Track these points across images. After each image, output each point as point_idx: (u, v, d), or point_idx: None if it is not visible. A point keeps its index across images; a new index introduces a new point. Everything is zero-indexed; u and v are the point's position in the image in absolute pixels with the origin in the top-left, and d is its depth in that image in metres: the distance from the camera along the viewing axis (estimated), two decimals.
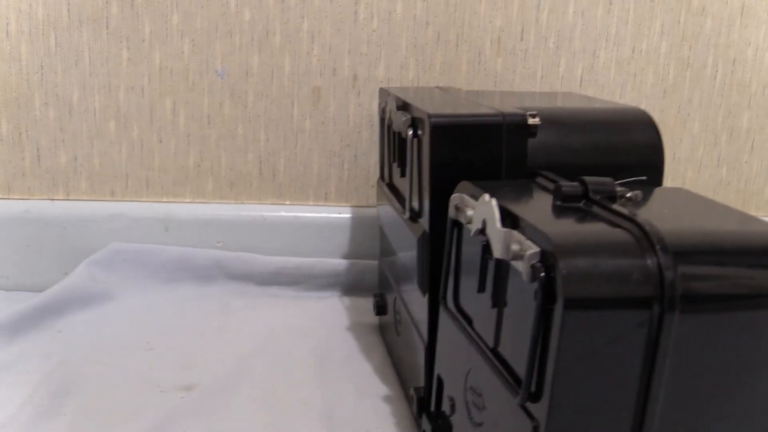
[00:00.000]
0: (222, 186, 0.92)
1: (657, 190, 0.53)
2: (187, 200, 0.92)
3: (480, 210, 0.46)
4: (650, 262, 0.38)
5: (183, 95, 0.89)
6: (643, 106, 0.96)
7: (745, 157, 0.99)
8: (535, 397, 0.40)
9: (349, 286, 0.93)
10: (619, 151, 0.61)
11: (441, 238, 0.56)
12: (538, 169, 0.57)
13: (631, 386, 0.39)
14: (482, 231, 0.46)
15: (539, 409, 0.40)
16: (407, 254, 0.65)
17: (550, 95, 0.77)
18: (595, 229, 0.41)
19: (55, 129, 0.88)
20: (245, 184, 0.92)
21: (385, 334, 0.81)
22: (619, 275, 0.38)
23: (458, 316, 0.52)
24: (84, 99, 0.87)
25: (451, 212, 0.52)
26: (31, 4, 0.84)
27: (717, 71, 0.95)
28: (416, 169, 0.61)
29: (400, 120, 0.63)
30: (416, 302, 0.64)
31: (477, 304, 0.49)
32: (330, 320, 0.86)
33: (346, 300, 0.92)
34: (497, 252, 0.43)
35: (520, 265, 0.40)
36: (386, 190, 0.74)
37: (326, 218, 0.93)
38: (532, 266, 0.39)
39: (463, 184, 0.52)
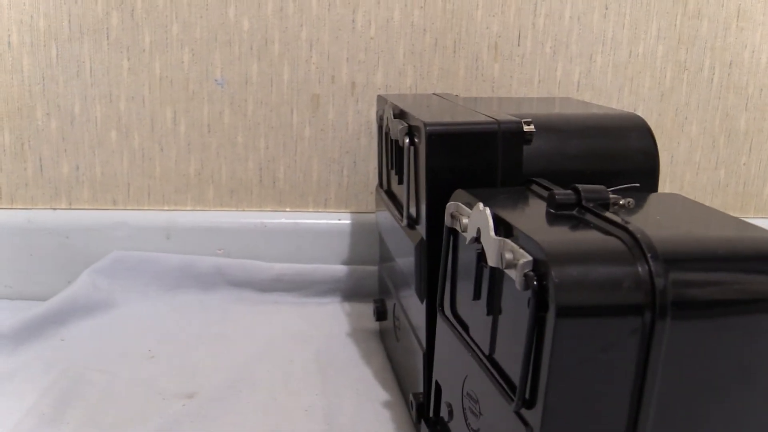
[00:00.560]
0: (223, 193, 0.93)
1: (652, 196, 0.54)
2: (188, 208, 0.93)
3: (474, 219, 0.46)
4: (641, 269, 0.39)
5: (183, 104, 0.89)
6: (640, 110, 0.96)
7: (743, 159, 0.99)
8: (530, 404, 0.40)
9: (350, 291, 0.94)
10: (614, 158, 0.61)
11: (438, 245, 0.56)
12: (535, 175, 0.58)
13: (624, 393, 0.40)
14: (477, 239, 0.46)
15: (533, 416, 0.40)
16: (405, 261, 0.66)
17: (547, 101, 0.78)
18: (587, 238, 0.41)
19: (57, 139, 0.89)
20: (246, 191, 0.93)
21: (386, 340, 0.81)
22: (610, 283, 0.38)
23: (455, 323, 0.53)
24: (85, 109, 0.88)
25: (447, 220, 0.52)
26: (32, 15, 0.85)
27: (714, 74, 0.96)
28: (413, 177, 0.62)
29: (396, 128, 0.64)
30: (414, 309, 0.64)
31: (473, 311, 0.49)
32: (330, 326, 0.86)
33: (347, 306, 0.92)
34: (491, 260, 0.43)
35: (513, 274, 0.41)
36: (384, 197, 0.75)
37: (326, 224, 0.93)
38: (525, 275, 0.39)
39: (459, 192, 0.53)
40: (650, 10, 0.93)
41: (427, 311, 0.60)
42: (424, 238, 0.59)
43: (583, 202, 0.46)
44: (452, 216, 0.52)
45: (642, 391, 0.40)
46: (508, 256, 0.41)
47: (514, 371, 0.43)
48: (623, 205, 0.46)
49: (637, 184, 0.52)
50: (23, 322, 0.79)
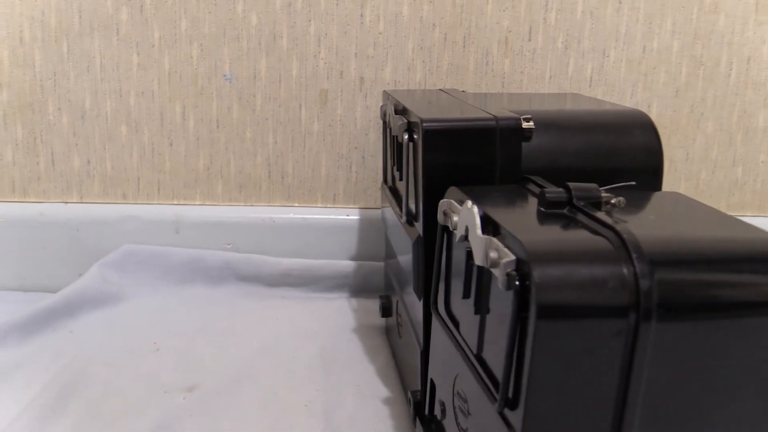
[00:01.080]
0: (231, 189, 0.93)
1: (650, 195, 0.53)
2: (197, 203, 0.93)
3: (463, 216, 0.46)
4: (626, 270, 0.38)
5: (192, 99, 0.90)
6: (654, 106, 0.94)
7: (762, 156, 0.97)
8: (513, 404, 0.40)
9: (358, 287, 0.94)
10: (616, 155, 0.60)
11: (435, 242, 0.56)
12: (535, 172, 0.57)
13: (609, 396, 0.39)
14: (466, 237, 0.46)
15: (516, 417, 0.40)
16: (405, 258, 0.65)
17: (554, 97, 0.76)
18: (573, 237, 0.41)
19: (68, 134, 0.90)
20: (254, 186, 0.93)
21: (390, 337, 0.81)
22: (593, 284, 0.38)
23: (447, 321, 0.52)
24: (96, 104, 0.89)
25: (440, 218, 0.52)
26: (44, 11, 0.86)
27: (731, 70, 0.93)
28: (412, 173, 0.61)
29: (396, 124, 0.63)
30: (413, 306, 0.64)
31: (463, 309, 0.49)
32: (337, 322, 0.86)
33: (354, 302, 0.92)
34: (477, 259, 0.43)
35: (497, 273, 0.40)
36: (388, 193, 0.75)
37: (334, 220, 0.93)
38: (508, 274, 0.39)
39: (452, 190, 0.52)
40: (665, 5, 0.91)
41: (425, 309, 0.59)
42: (422, 235, 0.59)
43: (574, 201, 0.45)
44: (445, 213, 0.51)
45: (627, 395, 0.39)
46: (493, 254, 0.41)
47: (500, 371, 0.42)
48: (615, 204, 0.45)
49: (633, 183, 0.51)
50: (33, 314, 0.80)
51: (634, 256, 0.38)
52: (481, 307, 0.45)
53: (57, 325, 0.81)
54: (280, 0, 0.87)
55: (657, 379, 0.39)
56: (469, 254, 0.46)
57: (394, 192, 0.73)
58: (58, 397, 0.66)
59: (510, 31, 0.91)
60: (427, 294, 0.59)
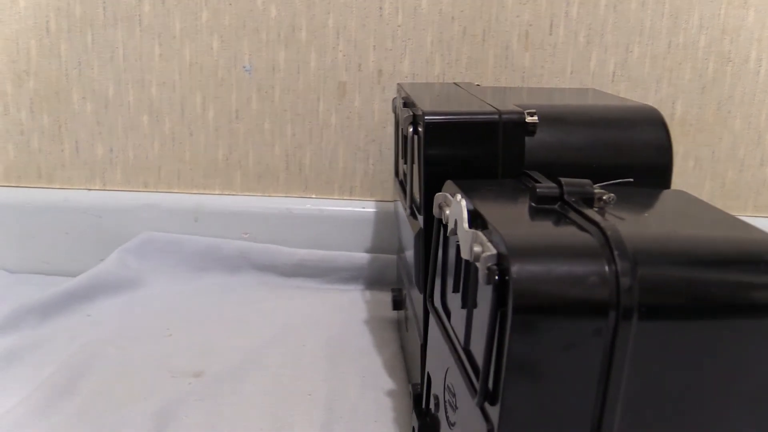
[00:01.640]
0: (250, 179, 0.95)
1: (653, 193, 0.51)
2: (216, 192, 0.95)
3: (453, 210, 0.46)
4: (608, 267, 0.37)
5: (212, 90, 0.91)
6: (679, 103, 0.92)
7: None
8: (492, 399, 0.40)
9: (372, 280, 0.94)
10: (623, 151, 0.59)
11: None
12: (540, 167, 0.56)
13: (588, 395, 0.38)
14: (456, 231, 0.45)
15: (495, 412, 0.39)
16: (411, 251, 0.65)
17: (572, 92, 0.75)
18: (556, 233, 0.40)
19: (92, 122, 0.92)
20: (272, 177, 0.94)
21: (400, 330, 0.81)
22: (573, 280, 0.37)
23: (442, 314, 0.52)
24: (119, 94, 0.91)
25: (435, 211, 0.51)
26: (69, 2, 0.88)
27: (761, 66, 0.91)
28: (416, 166, 0.61)
29: (403, 116, 0.63)
30: (417, 299, 0.64)
31: (454, 303, 0.49)
32: (349, 313, 0.87)
33: (368, 294, 0.92)
34: (463, 252, 0.43)
35: (479, 267, 0.40)
36: (398, 186, 0.75)
37: (351, 212, 0.94)
38: (488, 268, 0.39)
39: (449, 183, 0.52)
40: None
41: (424, 302, 0.59)
42: (422, 228, 0.59)
43: (565, 197, 0.44)
44: (440, 207, 0.51)
45: (606, 394, 0.38)
46: (477, 248, 0.41)
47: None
48: (606, 201, 0.44)
49: (631, 180, 0.50)
50: (52, 297, 0.83)
51: (616, 253, 0.38)
52: (468, 301, 0.45)
53: (75, 308, 0.83)
54: None
55: (638, 379, 0.38)
56: (459, 248, 0.46)
57: (403, 185, 0.73)
58: (69, 379, 0.68)
59: (530, 25, 0.89)
60: (426, 287, 0.59)
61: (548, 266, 0.37)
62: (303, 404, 0.67)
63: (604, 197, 0.44)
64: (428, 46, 0.90)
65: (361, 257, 0.93)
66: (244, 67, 0.90)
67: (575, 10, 0.89)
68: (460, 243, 0.44)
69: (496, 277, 0.38)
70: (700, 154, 0.94)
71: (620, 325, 0.37)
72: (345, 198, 0.95)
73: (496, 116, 0.57)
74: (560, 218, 0.42)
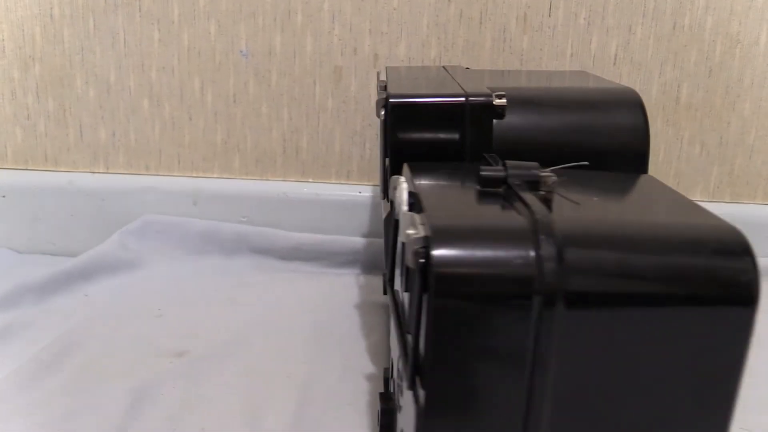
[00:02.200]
0: (248, 163, 0.95)
1: (615, 177, 0.50)
2: (215, 176, 0.96)
3: (397, 193, 0.45)
4: (533, 252, 0.37)
5: (210, 75, 0.92)
6: (685, 86, 0.90)
7: None
8: (421, 384, 0.39)
9: (369, 264, 0.94)
10: (596, 134, 0.58)
11: None
12: (510, 151, 0.56)
13: (515, 383, 0.38)
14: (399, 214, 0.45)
15: (422, 396, 0.39)
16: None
17: (555, 74, 0.74)
18: (488, 216, 0.40)
19: (95, 107, 0.94)
20: (270, 161, 0.95)
21: (389, 314, 0.81)
22: (496, 264, 0.37)
23: (397, 297, 0.52)
24: (120, 78, 0.93)
25: (390, 193, 0.51)
26: None
27: None
28: (387, 150, 0.61)
29: (376, 99, 0.63)
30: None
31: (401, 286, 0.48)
32: (341, 297, 0.87)
33: (363, 278, 0.93)
34: (400, 235, 0.42)
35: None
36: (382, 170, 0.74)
37: (347, 196, 0.94)
38: (415, 251, 0.38)
39: (405, 166, 0.52)
40: None
41: (384, 285, 0.59)
42: (390, 211, 0.58)
43: (509, 180, 0.44)
44: (395, 189, 0.51)
45: (533, 382, 0.38)
46: (410, 231, 0.40)
47: None
48: (551, 184, 0.43)
49: (587, 163, 0.49)
50: (53, 276, 0.85)
51: (541, 237, 0.37)
52: (408, 285, 0.44)
53: (73, 287, 0.85)
54: None
55: (566, 368, 0.37)
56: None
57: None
58: (57, 354, 0.70)
59: (529, 7, 0.88)
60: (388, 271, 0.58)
61: (471, 249, 0.37)
62: (280, 386, 0.67)
63: (549, 181, 0.43)
64: (424, 30, 0.89)
65: (357, 241, 0.94)
66: (241, 51, 0.91)
67: None
68: (399, 225, 0.43)
69: (421, 260, 0.38)
70: (707, 140, 0.91)
71: (544, 311, 0.36)
72: (342, 182, 0.95)
73: (463, 98, 0.56)
74: (498, 201, 0.42)
